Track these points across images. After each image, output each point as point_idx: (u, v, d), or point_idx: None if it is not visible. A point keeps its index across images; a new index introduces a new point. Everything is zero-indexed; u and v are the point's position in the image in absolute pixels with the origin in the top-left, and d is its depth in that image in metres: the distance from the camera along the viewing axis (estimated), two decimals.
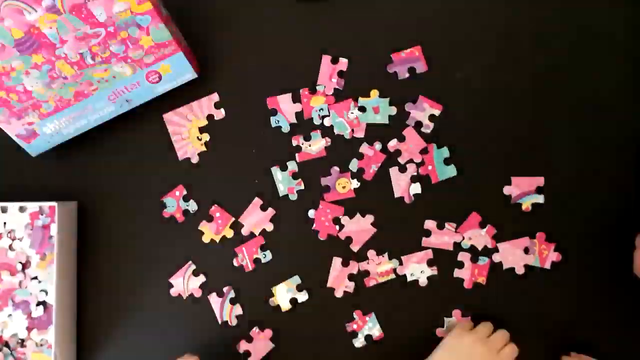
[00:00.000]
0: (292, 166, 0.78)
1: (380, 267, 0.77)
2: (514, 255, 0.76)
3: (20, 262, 0.76)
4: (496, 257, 0.77)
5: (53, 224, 0.76)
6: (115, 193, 0.80)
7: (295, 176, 0.78)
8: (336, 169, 0.78)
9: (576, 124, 0.76)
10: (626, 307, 0.75)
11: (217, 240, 0.79)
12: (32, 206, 0.77)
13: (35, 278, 0.76)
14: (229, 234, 0.79)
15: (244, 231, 0.79)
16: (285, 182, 0.78)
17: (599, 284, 0.75)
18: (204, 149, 0.79)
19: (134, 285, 0.79)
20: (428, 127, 0.78)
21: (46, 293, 0.76)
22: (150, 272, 0.79)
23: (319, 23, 0.79)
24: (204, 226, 0.79)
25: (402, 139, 0.78)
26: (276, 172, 0.78)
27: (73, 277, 0.78)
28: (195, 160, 0.79)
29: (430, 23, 0.78)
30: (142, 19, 0.66)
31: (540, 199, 0.76)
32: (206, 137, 0.79)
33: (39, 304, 0.76)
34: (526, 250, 0.76)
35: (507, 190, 0.77)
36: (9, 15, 0.61)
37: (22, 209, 0.77)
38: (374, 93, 0.78)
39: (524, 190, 0.76)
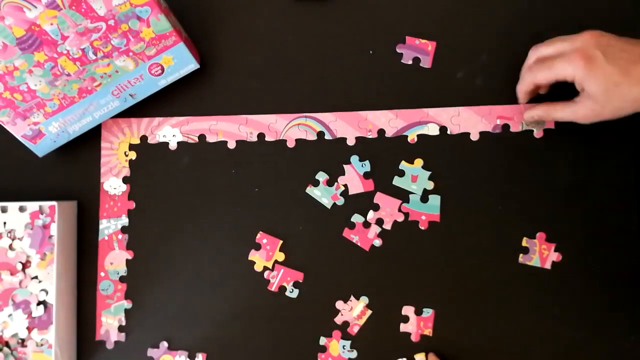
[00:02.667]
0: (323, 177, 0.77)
1: (354, 312, 0.76)
2: (470, 121, 0.76)
3: (20, 262, 0.76)
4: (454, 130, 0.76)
5: (53, 223, 0.76)
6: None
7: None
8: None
9: (576, 123, 0.76)
10: (626, 307, 0.75)
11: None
12: (32, 206, 0.77)
13: (36, 278, 0.76)
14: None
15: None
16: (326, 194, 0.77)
17: (599, 284, 0.75)
18: (126, 165, 0.79)
19: (134, 286, 0.79)
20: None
21: (46, 293, 0.76)
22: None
23: (318, 22, 0.79)
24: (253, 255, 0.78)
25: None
26: (312, 190, 0.77)
27: (73, 277, 0.78)
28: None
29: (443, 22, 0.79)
30: (141, 11, 0.66)
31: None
32: (133, 155, 0.79)
33: (39, 303, 0.76)
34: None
35: None
36: (9, 14, 0.61)
37: (22, 209, 0.77)
38: (418, 162, 0.77)
39: None
